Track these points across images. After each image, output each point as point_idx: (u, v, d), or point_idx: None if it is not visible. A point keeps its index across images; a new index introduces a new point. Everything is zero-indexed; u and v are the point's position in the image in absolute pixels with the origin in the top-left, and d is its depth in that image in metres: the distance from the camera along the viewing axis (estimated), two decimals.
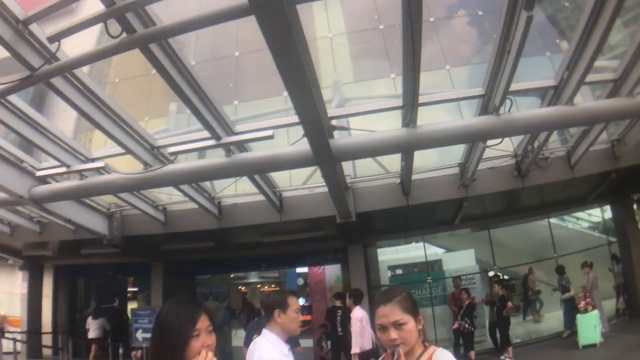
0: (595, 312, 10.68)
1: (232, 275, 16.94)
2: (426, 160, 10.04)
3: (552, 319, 13.85)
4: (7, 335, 13.07)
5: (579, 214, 16.22)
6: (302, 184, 10.59)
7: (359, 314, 7.99)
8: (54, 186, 8.09)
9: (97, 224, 10.66)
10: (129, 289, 19.41)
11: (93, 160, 7.63)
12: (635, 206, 13.69)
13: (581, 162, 9.75)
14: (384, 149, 7.18)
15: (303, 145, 6.47)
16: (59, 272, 16.62)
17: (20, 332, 14.57)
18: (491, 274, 13.98)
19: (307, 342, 16.38)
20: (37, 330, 15.56)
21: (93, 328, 14.57)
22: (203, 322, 1.97)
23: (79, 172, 7.65)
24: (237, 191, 10.48)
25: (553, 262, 13.35)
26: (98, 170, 7.68)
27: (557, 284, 12.53)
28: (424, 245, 14.35)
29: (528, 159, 9.31)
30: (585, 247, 14.25)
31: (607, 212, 14.70)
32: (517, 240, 15.78)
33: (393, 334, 2.19)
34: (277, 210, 10.09)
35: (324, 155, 6.47)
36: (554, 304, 13.63)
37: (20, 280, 16.27)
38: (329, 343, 11.97)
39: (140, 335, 11.55)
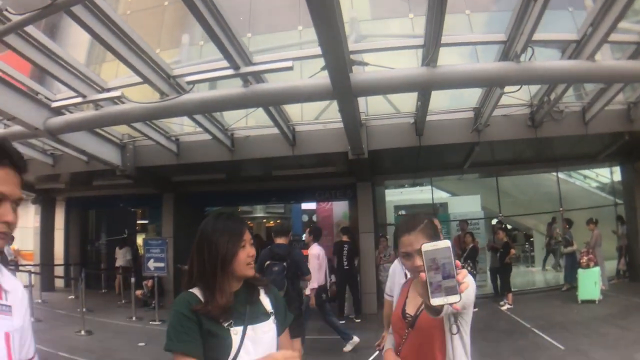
0: (597, 268, 10.86)
1: (239, 210, 17.17)
2: (441, 103, 9.98)
3: (553, 272, 14.23)
4: (21, 268, 13.33)
5: (588, 173, 16.45)
6: (315, 119, 10.56)
7: (316, 251, 8.33)
8: (69, 117, 8.10)
9: (110, 155, 10.73)
10: (139, 221, 19.84)
11: (109, 90, 7.53)
12: None
13: (595, 119, 9.71)
14: (403, 87, 7.15)
15: (322, 79, 6.44)
16: (71, 205, 17.01)
17: (34, 265, 14.91)
18: (495, 221, 14.24)
19: None
20: (50, 263, 16.04)
21: (119, 257, 15.21)
22: (247, 234, 2.10)
23: (95, 102, 7.58)
24: (249, 124, 10.46)
25: (558, 216, 13.65)
26: (113, 100, 7.68)
27: (561, 237, 12.79)
28: (432, 188, 14.64)
29: (543, 109, 9.25)
30: (591, 205, 14.47)
31: (616, 174, 14.73)
32: (523, 191, 16.11)
33: (418, 260, 2.21)
34: (289, 144, 10.12)
35: (344, 89, 6.44)
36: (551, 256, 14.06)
37: (33, 214, 16.58)
38: (332, 277, 12.30)
39: (152, 264, 11.75)
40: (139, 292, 12.46)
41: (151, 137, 10.02)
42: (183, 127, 10.84)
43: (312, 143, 10.24)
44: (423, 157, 11.44)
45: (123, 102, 7.72)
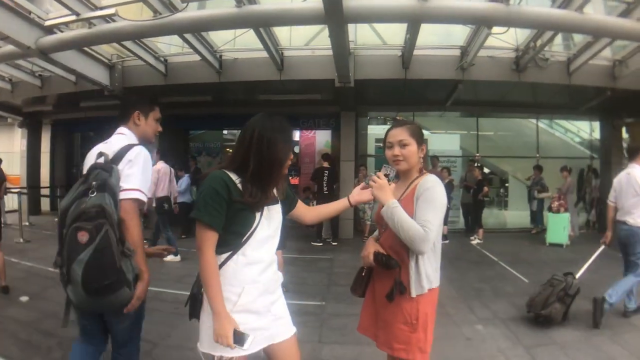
0: (567, 214, 11.50)
1: (226, 134, 17.31)
2: (429, 38, 10.19)
3: (522, 215, 14.86)
4: (12, 190, 13.39)
5: (568, 126, 16.88)
6: (305, 45, 10.73)
7: (157, 167, 9.35)
8: (61, 36, 8.05)
9: (99, 75, 10.77)
10: None
11: (102, 8, 7.50)
12: (624, 129, 14.18)
13: (580, 71, 10.06)
14: (395, 16, 7.32)
15: (315, 2, 6.57)
16: (57, 128, 17.07)
17: (20, 188, 14.88)
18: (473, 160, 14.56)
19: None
20: (36, 186, 16.29)
21: None
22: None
23: (88, 20, 7.49)
24: (238, 46, 10.55)
25: (533, 162, 14.11)
26: (106, 19, 7.66)
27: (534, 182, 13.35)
28: (413, 120, 14.78)
29: (528, 55, 9.57)
30: (567, 155, 15.02)
31: (595, 131, 15.24)
32: (502, 135, 16.56)
33: (396, 150, 2.66)
34: (277, 69, 10.28)
35: (336, 13, 6.57)
36: (523, 200, 14.67)
37: (19, 138, 16.60)
38: (314, 203, 12.68)
39: None
40: None
41: (140, 57, 10.03)
42: (171, 47, 10.94)
43: (299, 69, 10.41)
44: (408, 91, 11.80)
45: (115, 21, 7.73)
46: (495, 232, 13.73)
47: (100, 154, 2.75)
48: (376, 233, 2.93)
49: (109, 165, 2.64)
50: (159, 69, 10.82)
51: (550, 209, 11.79)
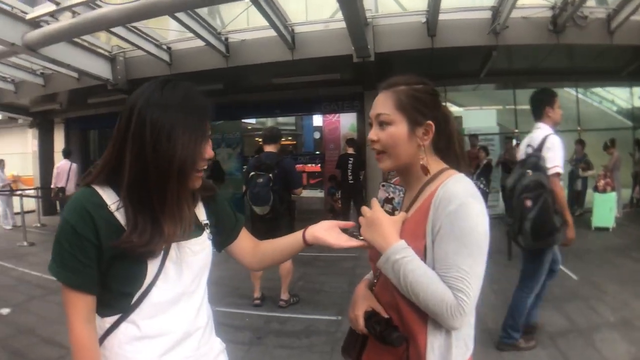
0: (614, 194, 10.30)
1: (248, 127, 16.54)
2: (455, 0, 9.17)
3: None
4: (27, 192, 13.20)
5: (605, 95, 15.35)
6: (317, 18, 9.70)
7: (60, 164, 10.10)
8: (46, 29, 7.46)
9: (100, 69, 10.25)
10: None
11: None
12: None
13: (621, 29, 8.75)
14: None
15: None
16: (70, 126, 16.68)
17: (34, 189, 14.84)
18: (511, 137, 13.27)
19: (316, 192, 16.59)
20: (49, 187, 15.94)
21: None
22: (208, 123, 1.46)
23: (70, 8, 6.95)
24: (244, 25, 9.72)
25: (575, 135, 12.73)
26: (89, 5, 6.99)
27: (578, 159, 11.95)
28: (445, 99, 13.60)
29: (566, 12, 8.33)
30: (608, 126, 13.59)
31: (636, 98, 13.88)
32: None
33: (372, 132, 1.60)
34: (288, 48, 9.32)
35: None
36: (565, 180, 13.14)
37: (31, 138, 16.46)
38: (339, 192, 11.86)
39: None
40: None
41: (141, 47, 9.41)
42: (169, 32, 10.36)
43: (313, 46, 9.40)
44: (436, 63, 10.51)
45: (100, 6, 7.03)
46: None
47: (528, 145, 4.15)
48: (369, 275, 1.84)
49: (537, 153, 3.95)
50: (163, 58, 10.10)
51: (595, 189, 10.54)
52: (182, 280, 1.47)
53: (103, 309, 1.39)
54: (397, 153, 1.56)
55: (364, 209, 1.58)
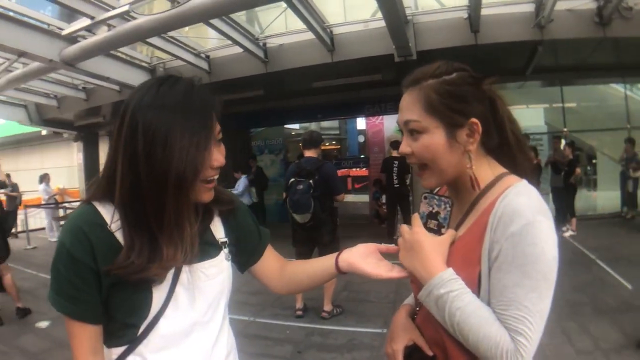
0: None
1: (292, 133, 16.37)
2: None
3: (612, 197, 12.51)
4: (73, 204, 13.46)
5: None
6: (355, 18, 9.31)
7: None
8: (83, 44, 7.48)
9: (140, 80, 9.87)
10: None
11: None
12: None
13: None
14: None
15: None
16: None
17: (80, 201, 15.20)
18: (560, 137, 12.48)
19: (362, 197, 16.30)
20: None
21: None
22: (217, 124, 1.22)
23: (105, 22, 6.88)
24: (283, 30, 9.51)
25: (624, 134, 11.90)
26: (123, 17, 6.92)
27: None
28: None
29: (611, 4, 7.76)
30: None
31: None
32: (586, 105, 14.12)
33: (404, 142, 1.28)
34: (328, 50, 9.01)
35: None
36: (614, 181, 12.32)
37: (76, 152, 16.92)
38: (384, 197, 11.54)
39: None
40: None
41: (179, 57, 9.32)
42: (209, 41, 10.25)
43: (352, 46, 9.05)
44: (480, 60, 9.96)
45: (134, 18, 6.93)
46: (585, 218, 11.53)
47: None
48: (410, 299, 1.54)
49: None
50: (201, 66, 9.97)
51: None
52: (195, 309, 1.25)
53: (109, 339, 1.22)
54: (440, 167, 1.24)
55: (403, 228, 1.27)
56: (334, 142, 23.26)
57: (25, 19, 7.02)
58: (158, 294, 1.18)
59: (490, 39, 8.56)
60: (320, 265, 1.46)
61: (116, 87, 10.94)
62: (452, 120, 1.20)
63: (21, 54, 7.11)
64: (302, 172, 5.39)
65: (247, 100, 12.14)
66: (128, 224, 1.14)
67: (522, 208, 1.10)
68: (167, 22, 6.60)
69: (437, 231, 1.26)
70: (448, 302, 1.12)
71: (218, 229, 1.39)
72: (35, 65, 8.03)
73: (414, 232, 1.23)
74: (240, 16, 8.45)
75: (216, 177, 1.23)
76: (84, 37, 7.66)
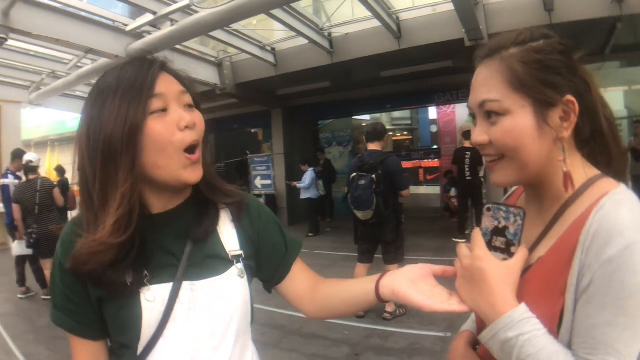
0: None
1: (362, 124, 16.16)
2: None
3: None
4: None
5: None
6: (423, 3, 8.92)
7: None
8: (147, 39, 7.69)
9: (208, 75, 10.40)
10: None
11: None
12: None
13: None
14: None
15: None
16: None
17: None
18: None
19: (434, 189, 15.88)
20: None
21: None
22: (172, 86, 1.08)
23: (167, 17, 7.02)
24: (349, 18, 9.24)
25: None
26: (185, 11, 6.99)
27: None
28: None
29: None
30: None
31: None
32: None
33: (478, 130, 1.02)
34: (394, 37, 8.65)
35: None
36: None
37: None
38: (453, 190, 11.09)
39: (259, 182, 11.61)
40: None
41: (245, 50, 9.34)
42: (275, 33, 10.16)
43: (420, 32, 8.63)
44: None
45: (196, 12, 6.98)
46: None
47: None
48: (471, 323, 1.28)
49: None
50: (268, 59, 9.94)
51: None
52: (199, 331, 1.09)
53: (112, 357, 1.14)
54: (523, 159, 0.96)
55: (461, 248, 1.00)
56: (405, 133, 22.81)
57: (91, 16, 7.26)
58: (151, 313, 1.04)
59: (566, 18, 7.83)
60: (359, 290, 1.21)
61: None
62: (544, 96, 0.94)
63: (88, 50, 7.42)
64: (364, 167, 5.12)
65: (314, 91, 12.09)
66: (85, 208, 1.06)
67: (624, 224, 0.84)
68: (228, 15, 6.59)
69: (506, 251, 0.98)
70: (517, 348, 0.87)
71: (230, 239, 1.20)
72: (102, 61, 8.28)
73: (475, 257, 0.96)
74: (306, 8, 8.32)
75: (196, 145, 1.08)
76: (149, 33, 7.84)
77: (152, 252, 1.07)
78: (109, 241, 0.98)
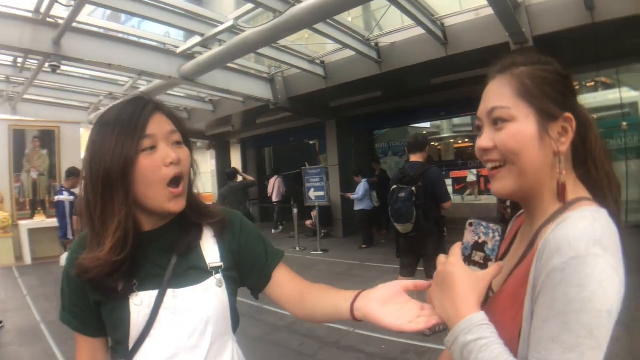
0: None
1: (423, 132, 16.01)
2: None
3: None
4: None
5: None
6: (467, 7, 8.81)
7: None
8: (199, 59, 8.10)
9: (261, 90, 10.74)
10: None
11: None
12: None
13: None
14: None
15: None
16: (245, 145, 18.46)
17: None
18: None
19: (493, 199, 15.39)
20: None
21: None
22: (163, 125, 1.23)
23: (215, 37, 7.43)
24: (389, 28, 9.30)
25: None
26: (232, 31, 7.32)
27: None
28: (618, 81, 11.21)
29: None
30: None
31: None
32: None
33: (484, 136, 1.08)
34: (441, 43, 8.62)
35: None
36: None
37: (209, 159, 18.55)
38: (509, 200, 10.76)
39: (312, 194, 11.68)
40: (308, 222, 12.81)
41: (294, 65, 9.62)
42: (326, 46, 10.21)
43: (465, 38, 8.54)
44: (602, 41, 8.72)
45: (241, 31, 7.31)
46: None
47: None
48: None
49: None
50: (317, 72, 10.15)
51: None
52: (179, 333, 1.26)
53: (111, 353, 1.36)
54: (522, 165, 1.01)
55: (440, 257, 1.07)
56: (466, 140, 22.32)
57: (142, 40, 7.76)
58: (139, 316, 1.22)
59: (608, 15, 7.48)
60: (336, 306, 1.28)
61: (239, 99, 11.62)
62: (547, 108, 1.02)
63: (140, 73, 7.92)
64: (404, 179, 5.07)
65: (366, 102, 12.15)
66: (89, 228, 1.24)
67: (576, 236, 0.85)
68: (270, 33, 6.85)
69: (484, 266, 1.03)
70: (474, 352, 0.89)
71: (211, 253, 1.36)
72: (157, 82, 8.88)
73: (448, 262, 1.02)
74: (355, 18, 8.40)
75: (180, 178, 1.24)
76: (200, 53, 8.20)
77: (142, 264, 1.25)
78: (107, 259, 1.16)
